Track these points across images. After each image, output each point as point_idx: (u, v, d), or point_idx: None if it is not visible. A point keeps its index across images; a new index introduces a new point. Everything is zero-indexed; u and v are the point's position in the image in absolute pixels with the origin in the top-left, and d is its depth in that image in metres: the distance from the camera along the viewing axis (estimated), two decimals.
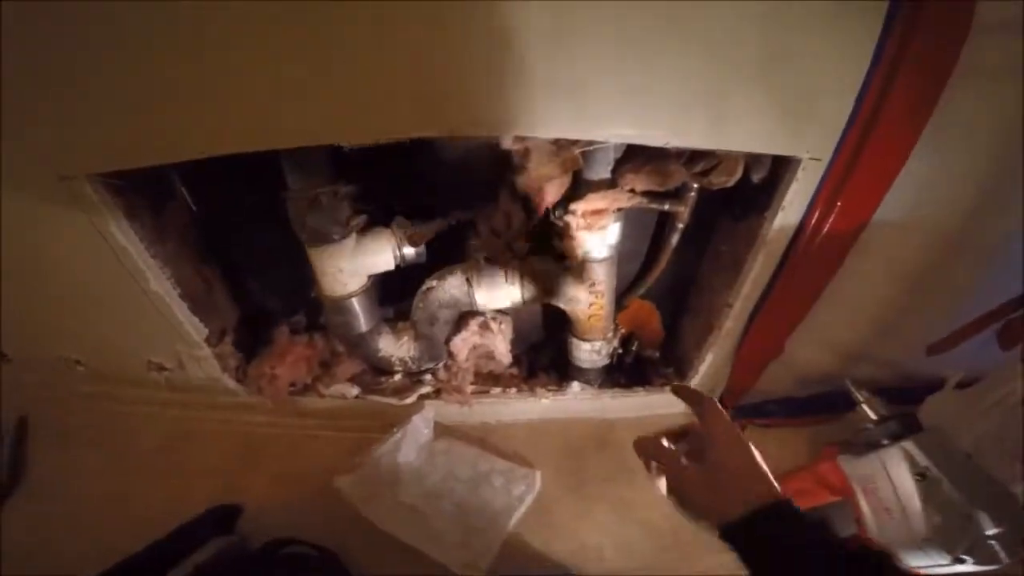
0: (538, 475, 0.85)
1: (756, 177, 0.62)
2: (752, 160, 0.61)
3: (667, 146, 0.56)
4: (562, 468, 0.89)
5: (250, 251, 0.85)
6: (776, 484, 0.44)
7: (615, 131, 0.55)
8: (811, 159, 0.58)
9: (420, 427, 0.87)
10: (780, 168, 0.62)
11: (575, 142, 0.59)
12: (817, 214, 0.63)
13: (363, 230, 0.72)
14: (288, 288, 0.88)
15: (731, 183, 0.61)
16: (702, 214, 0.75)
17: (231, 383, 0.86)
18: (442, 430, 0.92)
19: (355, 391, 0.87)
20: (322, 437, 0.91)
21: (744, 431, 0.91)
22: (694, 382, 0.90)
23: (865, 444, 0.64)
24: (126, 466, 0.88)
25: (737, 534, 0.42)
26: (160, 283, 0.70)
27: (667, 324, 0.96)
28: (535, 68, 0.50)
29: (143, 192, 0.66)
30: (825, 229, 0.64)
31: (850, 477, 0.66)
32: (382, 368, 0.87)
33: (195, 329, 0.78)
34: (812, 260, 0.68)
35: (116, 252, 0.66)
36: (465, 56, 0.49)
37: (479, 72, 0.50)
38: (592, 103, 0.53)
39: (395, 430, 0.84)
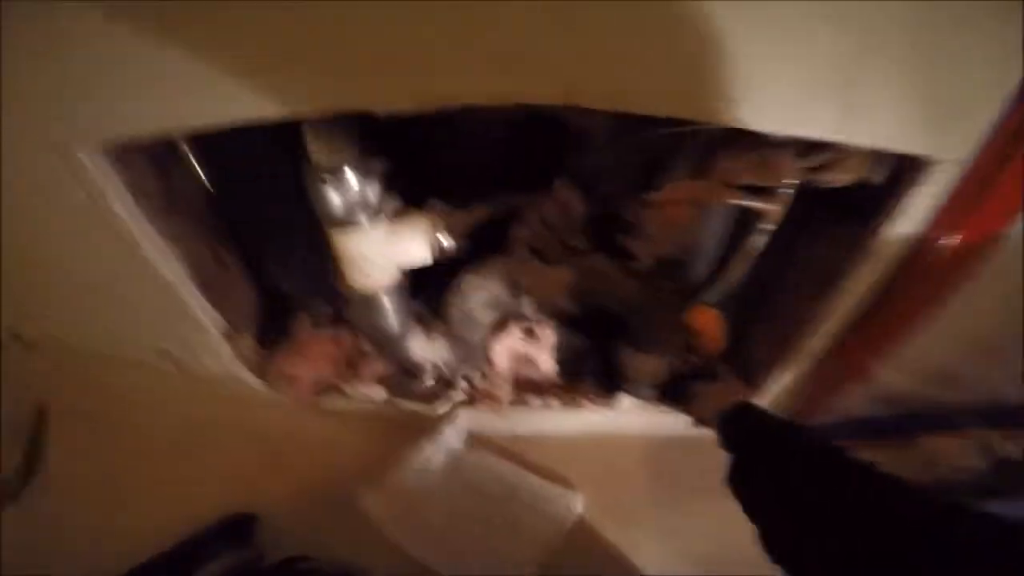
0: (579, 498, 0.78)
1: (877, 178, 0.51)
2: (874, 158, 0.50)
3: (780, 134, 0.46)
4: (606, 491, 0.81)
5: (272, 233, 0.78)
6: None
7: (719, 112, 0.44)
8: (948, 161, 0.49)
9: (451, 439, 0.80)
10: (905, 169, 0.52)
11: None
12: (942, 224, 0.54)
13: (396, 216, 0.64)
14: (313, 276, 0.80)
15: (849, 182, 0.51)
16: (788, 213, 0.64)
17: (249, 377, 0.79)
18: (473, 440, 0.84)
19: (383, 394, 0.80)
20: (346, 442, 0.85)
21: None
22: (764, 402, 0.80)
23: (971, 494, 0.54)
24: (141, 462, 0.85)
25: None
26: (168, 264, 0.64)
27: (729, 335, 0.86)
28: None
29: (149, 165, 0.60)
30: (950, 242, 0.55)
31: None
32: (412, 371, 0.79)
33: (208, 316, 0.71)
34: (927, 275, 0.58)
35: (119, 230, 0.59)
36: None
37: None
38: (695, 75, 0.43)
39: (424, 443, 0.77)
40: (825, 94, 0.44)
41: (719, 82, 0.43)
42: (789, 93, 0.44)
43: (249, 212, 0.75)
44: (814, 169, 0.51)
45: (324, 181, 0.57)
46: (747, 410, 0.61)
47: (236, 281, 0.76)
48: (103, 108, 0.48)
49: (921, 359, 0.69)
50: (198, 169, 0.65)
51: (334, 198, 0.58)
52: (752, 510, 0.50)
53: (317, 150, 0.56)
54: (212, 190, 0.69)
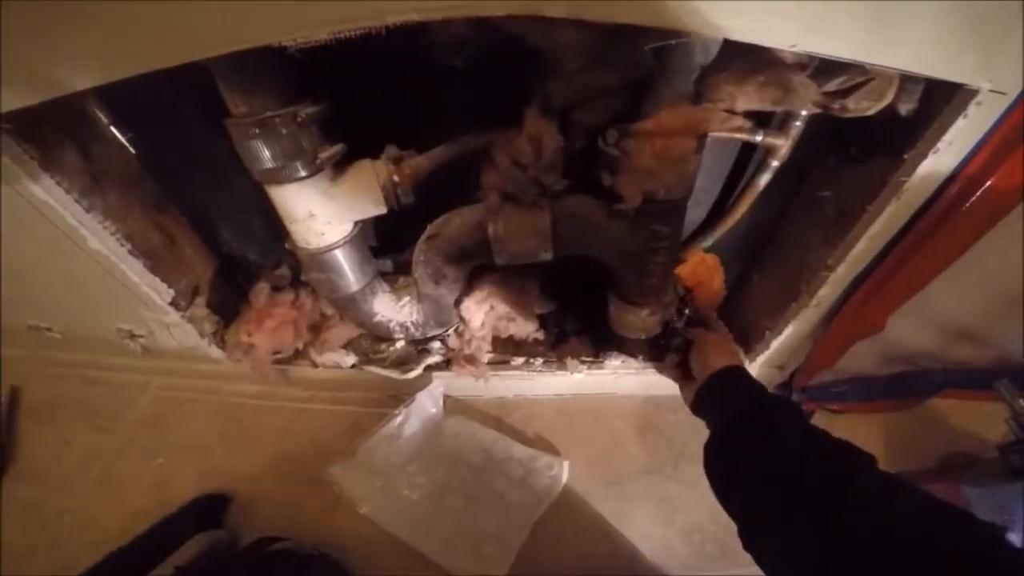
0: (566, 465, 0.75)
1: (905, 108, 0.45)
2: (903, 84, 0.43)
3: (793, 51, 0.38)
4: (595, 457, 0.78)
5: (218, 196, 0.72)
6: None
7: (718, 20, 0.37)
8: (992, 91, 0.42)
9: (426, 406, 0.77)
10: (940, 99, 0.45)
11: (644, 33, 0.41)
12: (980, 164, 0.48)
13: (341, 164, 0.58)
14: (266, 237, 0.75)
15: (873, 111, 0.44)
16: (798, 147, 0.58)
17: (213, 350, 0.76)
18: (452, 406, 0.81)
19: (351, 360, 0.76)
20: (316, 411, 0.84)
21: (812, 416, 0.80)
22: (763, 357, 0.77)
23: (1002, 470, 0.51)
24: (113, 444, 0.85)
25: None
26: (102, 240, 0.61)
27: (730, 283, 0.81)
28: None
29: (64, 139, 0.56)
30: (987, 184, 0.49)
31: (974, 505, 0.53)
32: (380, 334, 0.74)
33: (156, 291, 0.67)
34: (957, 221, 0.52)
35: (39, 209, 0.56)
36: None
37: None
38: None
39: (396, 411, 0.74)
40: (850, 3, 0.36)
41: None
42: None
43: (185, 176, 0.69)
44: (832, 94, 0.43)
45: (250, 136, 0.50)
46: (734, 378, 0.57)
47: (186, 252, 0.72)
48: None
49: (940, 312, 0.64)
50: (120, 138, 0.60)
51: (261, 150, 0.51)
52: (727, 499, 0.48)
53: (233, 99, 0.50)
54: (140, 159, 0.64)
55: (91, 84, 0.42)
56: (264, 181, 0.55)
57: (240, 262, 0.78)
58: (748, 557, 0.67)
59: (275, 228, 0.72)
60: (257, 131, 0.50)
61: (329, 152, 0.54)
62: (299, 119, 0.50)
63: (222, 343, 0.76)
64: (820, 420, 0.80)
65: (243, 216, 0.74)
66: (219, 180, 0.69)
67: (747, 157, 0.64)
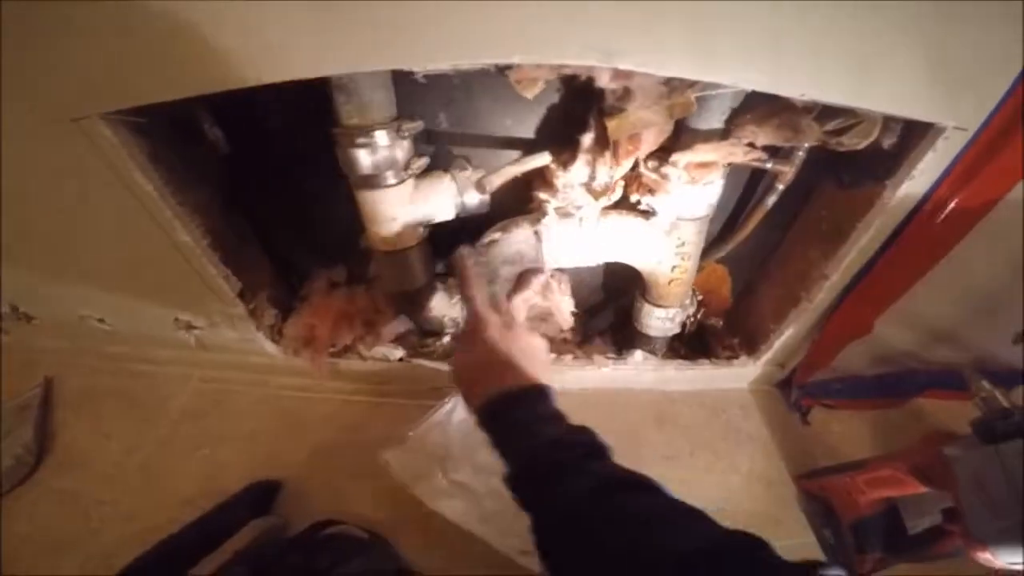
0: None
1: (887, 142, 0.59)
2: (887, 123, 0.58)
3: (801, 99, 0.53)
4: (617, 444, 0.88)
5: (285, 196, 0.81)
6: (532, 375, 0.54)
7: (747, 76, 0.51)
8: (956, 129, 0.56)
9: None
10: (914, 135, 0.59)
11: (692, 84, 0.55)
12: (947, 188, 0.62)
13: (422, 174, 0.69)
14: (326, 238, 0.85)
15: (862, 146, 0.58)
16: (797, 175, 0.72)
17: (266, 343, 0.84)
18: None
19: (400, 353, 0.86)
20: (364, 403, 0.91)
21: (810, 412, 0.93)
22: (767, 357, 0.90)
23: (980, 436, 0.64)
24: (156, 434, 0.88)
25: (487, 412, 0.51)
26: (189, 233, 0.68)
27: (736, 291, 0.95)
28: None
29: (168, 131, 0.63)
30: (952, 204, 0.63)
31: (957, 470, 0.66)
32: (431, 329, 0.85)
33: (228, 283, 0.75)
34: (929, 235, 0.66)
35: (140, 200, 0.63)
36: None
37: None
38: (725, 40, 0.49)
39: (446, 400, 0.84)
40: (844, 60, 0.50)
41: (750, 49, 0.49)
42: (810, 58, 0.50)
43: (265, 175, 0.78)
44: (830, 132, 0.58)
45: (357, 144, 0.61)
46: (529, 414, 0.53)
47: (252, 247, 0.81)
48: (118, 76, 0.51)
49: (921, 316, 0.79)
50: (217, 136, 0.68)
51: (363, 158, 0.63)
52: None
53: (347, 111, 0.60)
54: (229, 156, 0.72)
55: (225, 87, 0.50)
56: (358, 186, 0.66)
57: (298, 261, 0.88)
58: (765, 531, 0.79)
59: (332, 229, 0.83)
60: (363, 141, 0.60)
61: (418, 163, 0.66)
62: (401, 132, 0.62)
63: (279, 336, 0.85)
64: (818, 414, 0.93)
65: (305, 217, 0.85)
66: (289, 183, 0.79)
67: (756, 180, 0.78)
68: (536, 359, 0.56)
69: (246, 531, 0.73)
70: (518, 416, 0.51)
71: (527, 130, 0.72)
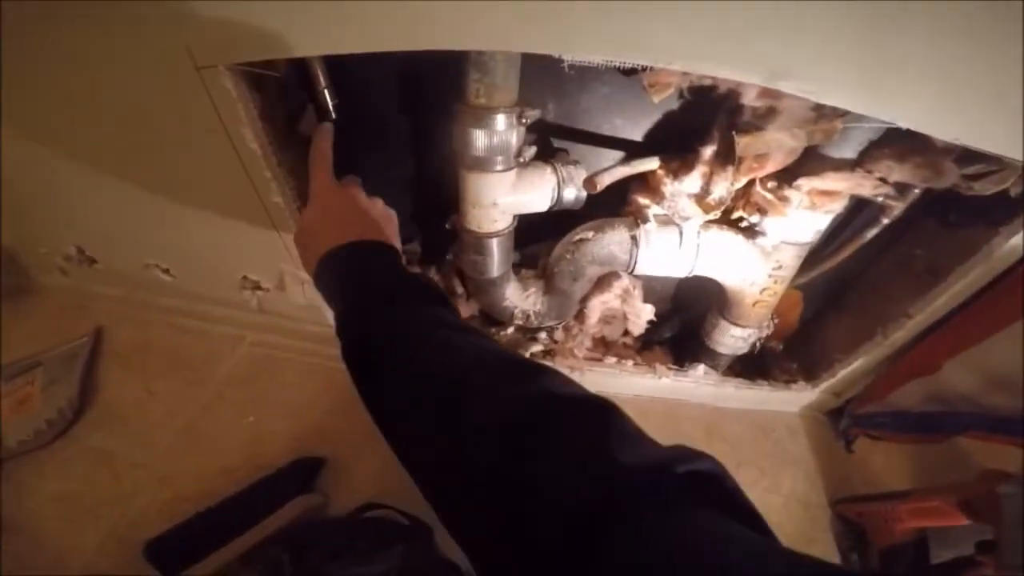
0: None
1: (1016, 190, 0.60)
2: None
3: (952, 141, 0.53)
4: None
5: (374, 168, 0.80)
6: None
7: (910, 115, 0.51)
8: None
9: None
10: None
11: (843, 114, 0.55)
12: None
13: (528, 163, 0.69)
14: (406, 213, 0.84)
15: (992, 192, 0.59)
16: None
17: (328, 312, 0.83)
18: None
19: None
20: None
21: (855, 441, 0.96)
22: (826, 385, 0.92)
23: None
24: (201, 397, 0.87)
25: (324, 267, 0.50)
26: (282, 194, 0.67)
27: (805, 317, 0.96)
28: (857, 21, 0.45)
29: (281, 90, 0.62)
30: None
31: (1005, 505, 0.69)
32: (500, 318, 0.85)
33: None
34: None
35: (242, 156, 0.62)
36: None
37: None
38: (896, 77, 0.49)
39: None
40: (1010, 111, 0.51)
41: (919, 89, 0.49)
42: (980, 105, 0.50)
43: (352, 147, 0.77)
44: (967, 177, 0.58)
45: (477, 125, 0.60)
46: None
47: None
48: (247, 29, 0.50)
49: (989, 362, 0.80)
50: (328, 99, 0.66)
51: (480, 138, 0.62)
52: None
53: (477, 89, 0.59)
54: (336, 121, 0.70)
55: (357, 50, 0.49)
56: (467, 167, 0.65)
57: None
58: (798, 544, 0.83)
59: (414, 206, 0.83)
60: (484, 122, 0.60)
61: (529, 152, 0.66)
62: (522, 119, 0.61)
63: None
64: (861, 444, 0.96)
65: (390, 192, 0.83)
66: (382, 156, 0.78)
67: (853, 210, 0.79)
68: (384, 223, 0.57)
69: (289, 508, 0.74)
70: (360, 265, 0.50)
71: (635, 132, 0.72)
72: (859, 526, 0.84)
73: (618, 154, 0.74)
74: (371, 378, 0.44)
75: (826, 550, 0.85)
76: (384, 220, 0.59)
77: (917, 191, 0.67)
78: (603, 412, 0.34)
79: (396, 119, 0.74)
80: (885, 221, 0.72)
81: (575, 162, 0.71)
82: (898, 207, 0.69)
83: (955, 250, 0.70)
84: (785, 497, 0.90)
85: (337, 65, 0.63)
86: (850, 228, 0.78)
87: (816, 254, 0.83)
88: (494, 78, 0.58)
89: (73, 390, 0.85)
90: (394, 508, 0.76)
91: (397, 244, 0.57)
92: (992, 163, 0.57)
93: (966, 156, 0.58)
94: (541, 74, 0.64)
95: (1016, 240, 0.64)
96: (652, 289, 0.90)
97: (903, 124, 0.52)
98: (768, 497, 0.90)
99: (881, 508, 0.81)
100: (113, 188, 0.72)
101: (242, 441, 0.83)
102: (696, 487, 0.29)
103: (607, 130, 0.73)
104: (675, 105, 0.68)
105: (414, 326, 0.44)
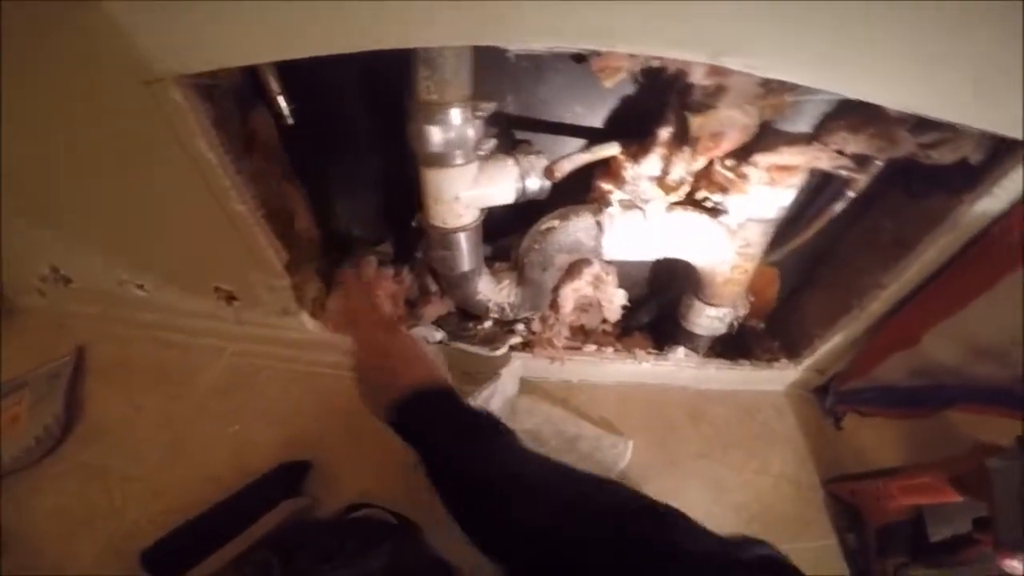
0: (630, 444, 0.87)
1: (976, 158, 0.59)
2: (981, 139, 0.58)
3: (905, 110, 0.52)
4: (653, 440, 0.91)
5: (339, 170, 0.81)
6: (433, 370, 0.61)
7: (862, 87, 0.50)
8: None
9: (508, 383, 0.87)
10: (1005, 151, 0.59)
11: (792, 88, 0.54)
12: None
13: (488, 156, 0.68)
14: (375, 213, 0.84)
15: (950, 160, 0.58)
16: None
17: (306, 318, 0.84)
18: (523, 386, 0.92)
19: (440, 335, 0.86)
20: None
21: (843, 418, 0.95)
22: (808, 362, 0.91)
23: (1020, 453, 0.66)
24: (186, 408, 0.88)
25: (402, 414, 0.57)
26: (244, 202, 0.66)
27: (782, 294, 0.96)
28: None
29: (233, 98, 0.62)
30: None
31: (995, 480, 0.68)
32: (475, 312, 0.85)
33: (276, 254, 0.74)
34: (1000, 253, 0.66)
35: (199, 165, 0.61)
36: None
37: None
38: (845, 49, 0.48)
39: (485, 387, 0.84)
40: (964, 80, 0.49)
41: (870, 60, 0.48)
42: (930, 74, 0.49)
43: (324, 148, 0.77)
44: (923, 146, 0.58)
45: (431, 121, 0.60)
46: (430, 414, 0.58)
47: (302, 221, 0.80)
48: (194, 39, 0.49)
49: (970, 332, 0.79)
50: (284, 106, 0.65)
51: (436, 135, 0.61)
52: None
53: (427, 86, 0.58)
54: (292, 127, 0.69)
55: (317, 53, 0.49)
56: (425, 163, 0.64)
57: (344, 237, 0.87)
58: (790, 532, 0.82)
59: (383, 207, 0.82)
60: (439, 118, 0.59)
61: (487, 145, 0.65)
62: (477, 112, 0.60)
63: (320, 311, 0.85)
64: (850, 421, 0.95)
65: (357, 193, 0.84)
66: (345, 158, 0.78)
67: (819, 184, 0.78)
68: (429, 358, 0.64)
69: (276, 512, 0.74)
70: (428, 413, 0.57)
71: (595, 119, 0.72)
72: (853, 505, 0.83)
73: (581, 142, 0.74)
74: (472, 507, 0.51)
75: (822, 531, 0.84)
76: (434, 356, 0.65)
77: (880, 163, 0.67)
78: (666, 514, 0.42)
79: (358, 119, 0.73)
80: (851, 194, 0.71)
81: (537, 152, 0.70)
82: (862, 180, 0.68)
83: (921, 220, 0.69)
84: (775, 478, 0.90)
85: (294, 67, 0.62)
86: (817, 203, 0.78)
87: (786, 231, 0.82)
88: (443, 74, 0.57)
89: (58, 408, 0.86)
90: (382, 507, 0.76)
91: (447, 375, 0.64)
92: (946, 131, 0.56)
93: (921, 125, 0.57)
94: (497, 67, 0.64)
95: (980, 207, 0.63)
96: (627, 274, 0.90)
97: (851, 95, 0.52)
98: (758, 479, 0.89)
99: (873, 486, 0.80)
100: (76, 206, 0.72)
101: (228, 451, 0.83)
102: (761, 568, 0.36)
103: (568, 118, 0.72)
104: (631, 89, 0.68)
105: (499, 461, 0.51)
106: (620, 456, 0.86)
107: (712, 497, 0.87)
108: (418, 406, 0.57)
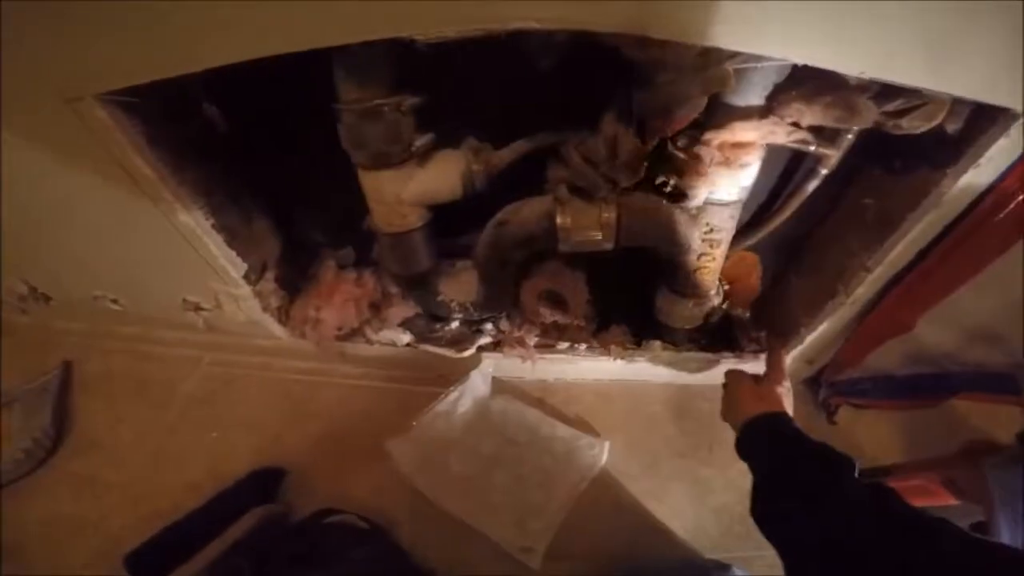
0: (606, 445, 0.82)
1: (952, 127, 0.52)
2: (953, 106, 0.51)
3: (860, 76, 0.46)
4: (633, 440, 0.86)
5: (293, 176, 0.78)
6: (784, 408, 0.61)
7: (799, 50, 0.44)
8: None
9: (478, 384, 0.84)
10: (984, 120, 0.52)
11: (731, 56, 0.48)
12: (1016, 179, 0.55)
13: (427, 152, 0.65)
14: (335, 218, 0.81)
15: (922, 130, 0.51)
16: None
17: (273, 325, 0.82)
18: (497, 386, 0.88)
19: (407, 338, 0.83)
20: (369, 388, 0.90)
21: (837, 412, 0.88)
22: (796, 352, 0.84)
23: (1020, 456, 0.58)
24: (167, 418, 0.89)
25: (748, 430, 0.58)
26: (190, 214, 0.66)
27: (766, 281, 0.89)
28: None
29: (164, 112, 0.60)
30: (1020, 197, 0.55)
31: (993, 484, 0.61)
32: (439, 314, 0.81)
33: (232, 264, 0.73)
34: (991, 230, 0.59)
35: (138, 182, 0.61)
36: None
37: None
38: (776, 9, 0.42)
39: (452, 388, 0.81)
40: (917, 39, 0.43)
41: (797, 17, 0.43)
42: (876, 34, 0.43)
43: (265, 157, 0.75)
44: (889, 114, 0.51)
45: (356, 121, 0.57)
46: (777, 426, 0.58)
47: (258, 228, 0.78)
48: (111, 57, 0.48)
49: (966, 315, 0.72)
50: (216, 116, 0.66)
51: (365, 135, 0.58)
52: (784, 547, 0.47)
53: (347, 87, 0.56)
54: (232, 136, 0.69)
55: (217, 64, 0.47)
56: (361, 165, 0.62)
57: (305, 242, 0.84)
58: None
59: (343, 210, 0.79)
60: (364, 117, 0.56)
61: (422, 141, 0.61)
62: (402, 108, 0.57)
63: (286, 318, 0.83)
64: (845, 414, 0.88)
65: (314, 198, 0.81)
66: (297, 162, 0.75)
67: (795, 163, 0.71)
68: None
69: (247, 518, 0.73)
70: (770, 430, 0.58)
71: (545, 105, 0.66)
72: None
73: (532, 130, 0.68)
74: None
75: None
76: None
77: (850, 136, 0.60)
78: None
79: (306, 125, 0.70)
80: (823, 172, 0.65)
81: (482, 144, 0.66)
82: (833, 155, 0.62)
83: (904, 196, 0.63)
84: None
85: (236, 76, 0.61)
86: (792, 184, 0.71)
87: (761, 213, 0.76)
88: (359, 72, 0.55)
89: (47, 421, 0.87)
90: (353, 513, 0.75)
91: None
92: (912, 97, 0.49)
93: (884, 92, 0.51)
94: (431, 61, 0.60)
95: (966, 180, 0.56)
96: (598, 263, 0.84)
97: (794, 59, 0.46)
98: (745, 480, 0.82)
99: None
100: (34, 225, 0.72)
101: (206, 457, 0.84)
102: None
103: (516, 106, 0.67)
104: (577, 71, 0.62)
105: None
106: (597, 458, 0.82)
107: (694, 499, 0.82)
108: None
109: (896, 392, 0.87)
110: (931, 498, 0.68)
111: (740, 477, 0.82)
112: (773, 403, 0.61)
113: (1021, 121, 0.49)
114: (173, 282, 0.80)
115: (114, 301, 0.87)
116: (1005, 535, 0.59)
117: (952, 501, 0.67)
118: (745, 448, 0.59)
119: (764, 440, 0.57)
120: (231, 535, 0.71)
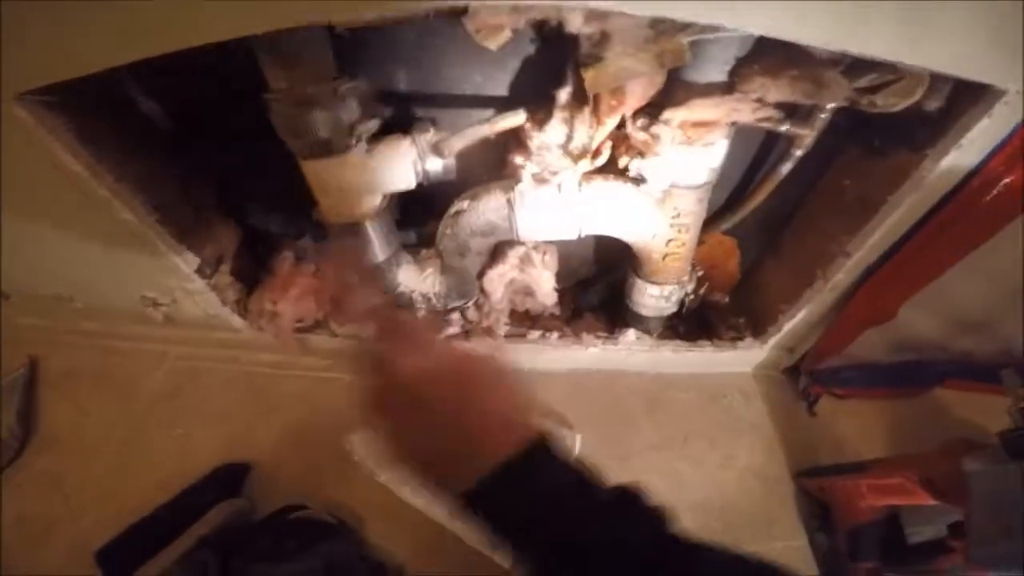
0: (578, 439, 0.79)
1: (932, 105, 0.47)
2: (932, 83, 0.46)
3: (826, 48, 0.41)
4: (606, 431, 0.82)
5: (242, 167, 0.74)
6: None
7: (756, 19, 0.39)
8: (1019, 92, 0.45)
9: None
10: (966, 97, 0.48)
11: (684, 27, 0.43)
12: (1001, 161, 0.51)
13: (375, 138, 0.60)
14: (290, 208, 0.77)
15: (900, 107, 0.46)
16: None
17: (234, 318, 0.79)
18: None
19: (371, 330, 0.79)
20: (335, 381, 0.86)
21: (818, 401, 0.83)
22: (775, 339, 0.80)
23: (1007, 449, 0.54)
24: (133, 413, 0.86)
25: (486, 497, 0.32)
26: (133, 210, 0.62)
27: (745, 266, 0.84)
28: None
29: (95, 108, 0.57)
30: (1006, 180, 0.51)
31: (972, 484, 0.57)
32: (402, 305, 0.77)
33: (183, 259, 0.70)
34: (975, 214, 0.55)
35: (72, 181, 0.58)
36: None
37: None
38: None
39: None
40: (885, 6, 0.39)
41: None
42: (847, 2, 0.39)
43: (213, 148, 0.71)
44: (862, 90, 0.46)
45: (288, 109, 0.53)
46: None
47: (211, 221, 0.74)
48: (29, 53, 0.46)
49: (951, 302, 0.68)
50: (155, 110, 0.62)
51: (299, 124, 0.54)
52: None
53: (273, 74, 0.52)
54: (175, 129, 0.66)
55: (133, 59, 0.44)
56: (300, 155, 0.57)
57: (262, 233, 0.81)
58: (751, 533, 0.73)
59: (298, 200, 0.74)
60: (296, 106, 0.52)
61: (365, 127, 0.57)
62: (339, 94, 0.53)
63: (244, 311, 0.79)
64: (826, 405, 0.84)
65: (267, 188, 0.76)
66: (246, 152, 0.71)
67: (770, 144, 0.66)
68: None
69: (212, 514, 0.72)
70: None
71: (500, 87, 0.62)
72: (824, 503, 0.73)
73: (489, 113, 0.63)
74: None
75: (790, 531, 0.75)
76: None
77: (824, 116, 0.55)
78: None
79: (248, 114, 0.66)
80: (798, 152, 0.60)
81: (436, 130, 0.61)
82: (807, 135, 0.57)
83: (884, 178, 0.59)
84: (740, 471, 0.80)
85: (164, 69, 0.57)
86: (767, 166, 0.66)
87: (735, 196, 0.71)
88: (285, 59, 0.50)
89: (12, 420, 0.85)
90: (319, 507, 0.73)
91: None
92: (886, 71, 0.44)
93: (856, 65, 0.45)
94: (378, 44, 0.57)
95: (948, 162, 0.52)
96: (572, 253, 0.80)
97: (751, 30, 0.41)
98: (721, 473, 0.80)
99: (843, 484, 0.70)
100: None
101: (174, 453, 0.82)
102: None
103: (469, 90, 0.63)
104: (530, 50, 0.57)
105: None
106: (569, 450, 0.78)
107: (669, 493, 0.76)
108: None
109: (880, 380, 0.84)
110: (909, 497, 0.65)
111: (718, 471, 0.80)
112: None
113: (1005, 99, 0.44)
114: (127, 279, 0.76)
115: (71, 300, 0.84)
116: (984, 537, 0.55)
117: (930, 501, 0.64)
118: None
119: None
120: (197, 530, 0.70)
